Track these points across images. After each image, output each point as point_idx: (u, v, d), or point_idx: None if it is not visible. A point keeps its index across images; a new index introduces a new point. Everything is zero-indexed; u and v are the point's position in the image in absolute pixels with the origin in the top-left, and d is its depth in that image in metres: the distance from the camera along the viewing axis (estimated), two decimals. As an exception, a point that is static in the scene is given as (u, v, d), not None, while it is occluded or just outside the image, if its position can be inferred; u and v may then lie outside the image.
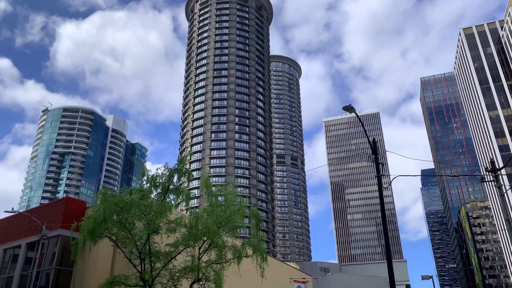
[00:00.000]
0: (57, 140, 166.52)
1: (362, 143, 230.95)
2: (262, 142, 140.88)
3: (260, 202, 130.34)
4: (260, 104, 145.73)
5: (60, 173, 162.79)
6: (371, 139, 18.42)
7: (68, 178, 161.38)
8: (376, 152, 18.29)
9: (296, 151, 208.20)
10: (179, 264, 25.49)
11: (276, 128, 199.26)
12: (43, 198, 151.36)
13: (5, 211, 32.87)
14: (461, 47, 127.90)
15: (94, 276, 27.89)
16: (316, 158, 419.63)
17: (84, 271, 28.94)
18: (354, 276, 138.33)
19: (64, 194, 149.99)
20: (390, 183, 22.31)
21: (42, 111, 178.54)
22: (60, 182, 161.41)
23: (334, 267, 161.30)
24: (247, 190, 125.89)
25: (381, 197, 18.22)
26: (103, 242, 25.69)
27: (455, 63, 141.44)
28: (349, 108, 17.45)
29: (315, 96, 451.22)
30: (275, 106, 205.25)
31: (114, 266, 27.65)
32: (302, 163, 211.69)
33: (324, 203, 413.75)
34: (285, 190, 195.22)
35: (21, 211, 37.64)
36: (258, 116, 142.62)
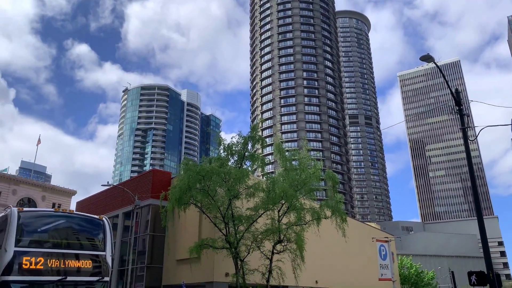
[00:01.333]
0: (139, 117, 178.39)
1: (442, 96, 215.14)
2: (333, 104, 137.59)
3: (334, 164, 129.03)
4: (329, 64, 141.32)
5: (145, 148, 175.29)
6: (453, 90, 17.11)
7: (152, 152, 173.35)
8: (459, 103, 17.02)
9: (369, 110, 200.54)
10: (260, 226, 26.50)
11: (347, 87, 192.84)
12: (132, 171, 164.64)
13: (102, 185, 36.54)
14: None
15: (184, 240, 30.17)
16: (391, 115, 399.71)
17: (175, 236, 31.41)
18: (439, 234, 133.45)
19: (150, 166, 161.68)
20: (477, 135, 20.75)
21: (123, 91, 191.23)
22: (145, 156, 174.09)
23: (417, 226, 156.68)
24: (321, 153, 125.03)
25: (467, 151, 17.08)
26: (190, 208, 27.45)
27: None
28: (427, 58, 16.26)
29: (386, 49, 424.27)
30: (345, 65, 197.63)
31: (201, 230, 29.55)
32: (377, 121, 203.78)
33: (402, 161, 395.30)
34: (361, 151, 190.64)
35: (115, 184, 41.44)
36: (327, 77, 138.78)
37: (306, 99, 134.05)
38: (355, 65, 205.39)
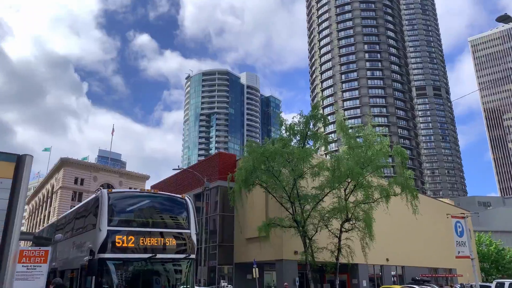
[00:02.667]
0: (202, 103, 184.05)
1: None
2: (398, 76, 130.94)
3: (402, 139, 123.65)
4: (391, 34, 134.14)
5: (210, 132, 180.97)
6: (536, 51, 15.54)
7: (216, 136, 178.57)
8: (544, 66, 15.44)
9: (438, 80, 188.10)
10: (327, 205, 26.46)
11: (412, 57, 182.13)
12: (199, 155, 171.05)
13: (173, 169, 38.49)
14: None
15: (253, 220, 31.04)
16: (462, 84, 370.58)
17: (244, 215, 32.41)
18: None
19: (216, 150, 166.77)
20: None
21: (186, 78, 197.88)
22: (210, 140, 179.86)
23: (496, 200, 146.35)
24: (387, 128, 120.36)
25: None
26: (256, 189, 28.09)
27: None
28: (504, 18, 14.87)
29: (453, 13, 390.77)
30: (409, 33, 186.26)
31: (268, 210, 30.17)
32: (447, 92, 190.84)
33: (476, 132, 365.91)
34: (430, 124, 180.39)
35: (185, 168, 43.45)
36: (390, 48, 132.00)
37: (368, 73, 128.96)
38: (420, 33, 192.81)
